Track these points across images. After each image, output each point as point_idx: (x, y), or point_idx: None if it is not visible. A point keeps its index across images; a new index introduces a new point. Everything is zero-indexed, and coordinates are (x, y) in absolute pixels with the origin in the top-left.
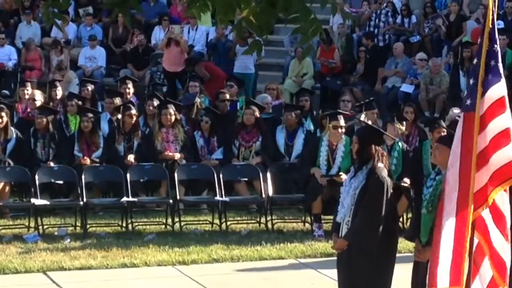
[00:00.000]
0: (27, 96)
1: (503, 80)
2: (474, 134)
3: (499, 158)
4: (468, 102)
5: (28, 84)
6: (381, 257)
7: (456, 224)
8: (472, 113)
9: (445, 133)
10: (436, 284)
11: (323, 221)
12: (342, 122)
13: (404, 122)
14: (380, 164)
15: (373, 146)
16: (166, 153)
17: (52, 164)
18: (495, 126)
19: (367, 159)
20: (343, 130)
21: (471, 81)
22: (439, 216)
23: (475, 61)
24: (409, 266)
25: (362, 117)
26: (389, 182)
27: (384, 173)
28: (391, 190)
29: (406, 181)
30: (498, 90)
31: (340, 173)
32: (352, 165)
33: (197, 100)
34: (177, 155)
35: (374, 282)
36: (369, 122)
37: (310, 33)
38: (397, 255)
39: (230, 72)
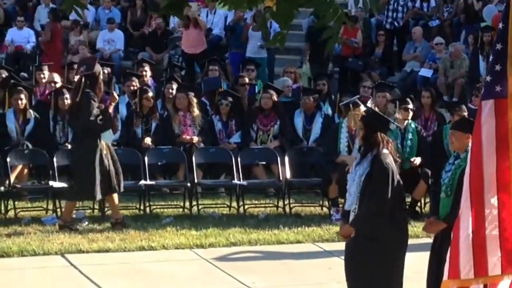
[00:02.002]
0: (44, 80)
1: None
2: (508, 120)
3: None
4: (498, 89)
5: (45, 67)
6: (389, 245)
7: (476, 213)
8: (504, 99)
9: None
10: (459, 275)
11: (340, 205)
12: (362, 107)
13: (410, 109)
14: (385, 151)
15: (378, 133)
16: (183, 136)
17: (70, 146)
18: None
19: (372, 146)
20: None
21: (497, 67)
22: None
23: (499, 46)
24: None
25: (369, 103)
26: (394, 169)
27: (389, 159)
28: (397, 177)
29: (417, 161)
30: None
31: None
32: (358, 152)
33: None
34: (195, 139)
35: (382, 270)
36: (376, 109)
37: (334, 23)
38: (415, 241)
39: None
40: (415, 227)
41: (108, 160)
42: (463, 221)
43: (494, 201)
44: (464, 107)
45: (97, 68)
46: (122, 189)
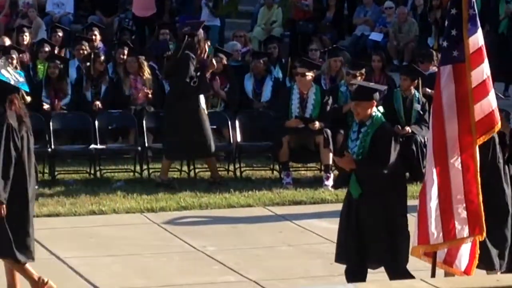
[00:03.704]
0: None
1: (479, 30)
2: (467, 84)
3: (479, 110)
4: (455, 53)
5: None
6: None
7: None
8: (462, 64)
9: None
10: (428, 241)
11: (291, 169)
12: (309, 71)
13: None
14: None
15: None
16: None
17: None
18: (475, 77)
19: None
20: (311, 78)
21: (453, 32)
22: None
23: (453, 11)
24: None
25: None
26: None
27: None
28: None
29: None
30: (476, 40)
31: (316, 122)
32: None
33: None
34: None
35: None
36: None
37: None
38: None
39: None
40: None
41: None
42: (429, 187)
43: (458, 164)
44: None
45: (200, 32)
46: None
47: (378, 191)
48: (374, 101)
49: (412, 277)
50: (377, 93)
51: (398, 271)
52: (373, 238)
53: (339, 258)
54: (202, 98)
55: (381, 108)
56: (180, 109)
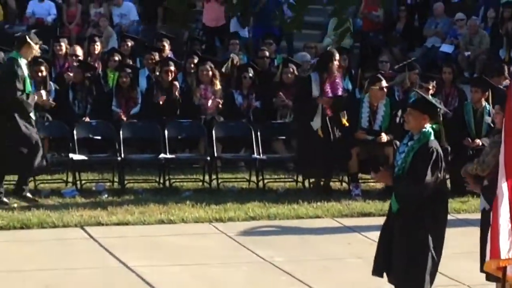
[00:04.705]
0: (61, 52)
1: None
2: None
3: None
4: None
5: (63, 40)
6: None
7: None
8: None
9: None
10: (499, 255)
11: (360, 181)
12: (384, 83)
13: (431, 83)
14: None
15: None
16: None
17: (88, 119)
18: None
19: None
20: (385, 91)
21: None
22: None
23: None
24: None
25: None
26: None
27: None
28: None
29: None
30: None
31: (382, 134)
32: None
33: (233, 56)
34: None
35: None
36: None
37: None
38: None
39: (268, 30)
40: None
41: None
42: (500, 200)
43: None
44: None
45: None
46: None
47: (413, 209)
48: (427, 115)
49: None
50: (433, 109)
51: None
52: (396, 256)
53: (374, 272)
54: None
55: (435, 126)
56: None
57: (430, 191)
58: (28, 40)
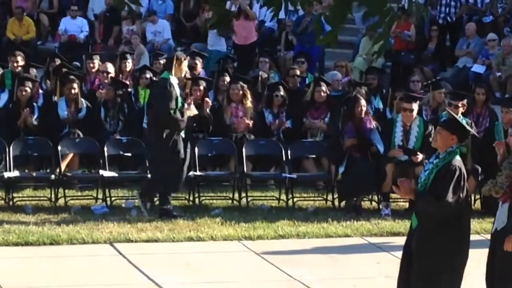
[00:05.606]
0: (94, 69)
1: None
2: None
3: None
4: None
5: (96, 57)
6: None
7: None
8: None
9: None
10: None
11: (390, 200)
12: (414, 105)
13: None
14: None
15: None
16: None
17: (119, 136)
18: None
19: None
20: (416, 111)
21: None
22: None
23: None
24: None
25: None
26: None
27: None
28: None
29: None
30: None
31: (418, 154)
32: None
33: (261, 73)
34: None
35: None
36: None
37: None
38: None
39: (299, 48)
40: None
41: None
42: None
43: None
44: None
45: None
46: None
47: (433, 226)
48: (456, 135)
49: None
50: (463, 130)
51: None
52: (413, 272)
53: None
54: None
55: (462, 148)
56: None
57: (451, 209)
58: (178, 58)
